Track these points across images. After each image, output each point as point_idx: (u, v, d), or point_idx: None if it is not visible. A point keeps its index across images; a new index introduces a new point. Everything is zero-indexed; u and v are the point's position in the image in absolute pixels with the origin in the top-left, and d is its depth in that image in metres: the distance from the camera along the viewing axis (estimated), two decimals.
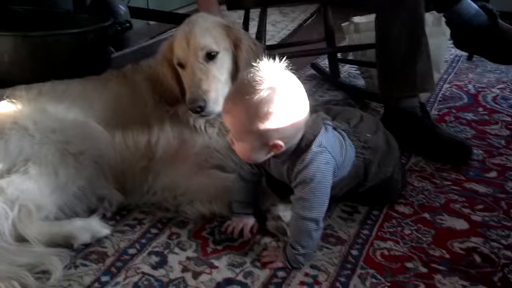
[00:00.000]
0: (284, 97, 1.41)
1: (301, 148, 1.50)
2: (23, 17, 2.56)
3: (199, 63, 1.76)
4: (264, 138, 1.44)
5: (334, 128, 1.62)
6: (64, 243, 1.61)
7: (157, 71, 1.90)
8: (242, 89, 1.43)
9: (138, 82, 1.96)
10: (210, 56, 1.78)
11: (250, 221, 1.69)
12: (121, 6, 3.35)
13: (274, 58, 1.47)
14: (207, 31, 1.80)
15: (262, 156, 1.50)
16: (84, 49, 2.22)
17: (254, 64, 1.46)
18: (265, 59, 1.46)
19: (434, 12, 2.62)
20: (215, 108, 1.74)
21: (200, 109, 1.71)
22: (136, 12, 3.52)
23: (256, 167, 1.64)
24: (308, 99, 1.49)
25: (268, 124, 1.41)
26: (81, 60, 2.21)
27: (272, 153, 1.49)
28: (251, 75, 1.42)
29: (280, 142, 1.45)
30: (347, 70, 3.32)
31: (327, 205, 1.50)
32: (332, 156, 1.51)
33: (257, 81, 1.40)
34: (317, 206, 1.48)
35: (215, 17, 1.92)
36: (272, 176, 1.66)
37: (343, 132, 1.64)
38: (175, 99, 1.88)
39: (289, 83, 1.44)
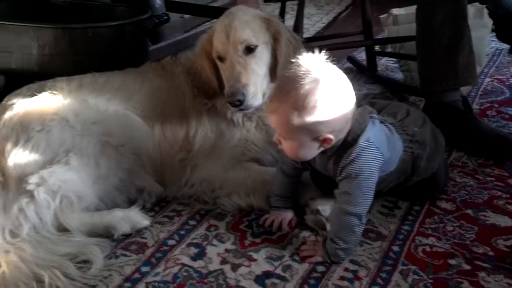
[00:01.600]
0: (330, 88, 1.40)
1: (347, 142, 1.48)
2: (62, 9, 2.60)
3: (238, 57, 1.75)
4: (313, 133, 1.42)
5: (381, 122, 1.59)
6: (105, 233, 1.63)
7: (196, 64, 1.90)
8: (286, 85, 1.41)
9: (176, 75, 1.97)
10: (250, 50, 1.76)
11: (289, 214, 1.68)
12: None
13: (313, 51, 1.45)
14: (246, 24, 1.78)
15: (312, 152, 1.49)
16: (123, 41, 2.24)
17: (293, 57, 1.45)
18: (304, 53, 1.44)
19: (476, 4, 2.56)
20: (254, 102, 1.73)
21: (239, 103, 1.70)
22: (171, 5, 3.52)
23: (301, 162, 1.62)
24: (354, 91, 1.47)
25: (317, 117, 1.39)
26: (120, 52, 2.24)
27: (322, 149, 1.47)
28: (293, 70, 1.41)
29: (330, 136, 1.43)
30: (384, 63, 3.26)
31: (371, 201, 1.48)
32: (380, 152, 1.49)
33: (300, 75, 1.38)
34: (361, 201, 1.46)
35: (254, 10, 1.90)
36: (317, 170, 1.64)
37: (390, 126, 1.61)
38: (213, 92, 1.88)
39: (333, 74, 1.43)
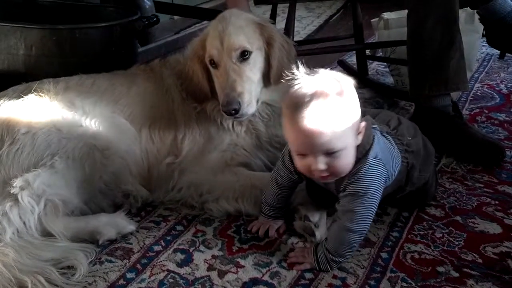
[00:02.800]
0: (343, 77, 1.41)
1: (356, 157, 1.43)
2: (49, 10, 2.57)
3: (232, 64, 1.73)
4: (356, 124, 1.38)
5: (381, 133, 1.55)
6: (90, 239, 1.61)
7: (187, 68, 1.88)
8: (303, 99, 1.34)
9: (165, 78, 1.95)
10: (244, 56, 1.74)
11: (278, 222, 1.67)
12: (146, 1, 3.33)
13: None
14: (241, 29, 1.76)
15: (354, 154, 1.41)
16: (111, 43, 2.21)
17: (286, 62, 1.43)
18: (295, 57, 1.42)
19: (467, 9, 2.56)
20: (249, 110, 1.72)
21: (234, 112, 1.69)
22: (161, 7, 3.50)
23: (297, 174, 1.55)
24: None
25: (352, 99, 1.38)
26: (108, 54, 2.21)
27: (357, 144, 1.42)
28: (303, 91, 1.35)
29: (363, 123, 1.41)
30: (375, 68, 3.26)
31: (372, 218, 1.47)
32: (386, 169, 1.47)
33: (306, 82, 1.37)
34: (365, 219, 1.44)
35: (247, 14, 1.88)
36: (314, 183, 1.61)
37: (389, 137, 1.57)
38: (204, 97, 1.86)
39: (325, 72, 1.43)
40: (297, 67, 1.41)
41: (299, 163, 1.43)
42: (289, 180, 1.59)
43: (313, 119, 1.32)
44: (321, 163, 1.37)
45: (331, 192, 1.54)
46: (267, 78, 1.80)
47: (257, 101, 1.78)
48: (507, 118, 2.49)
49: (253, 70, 1.76)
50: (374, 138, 1.46)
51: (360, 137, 1.41)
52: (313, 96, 1.33)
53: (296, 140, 1.39)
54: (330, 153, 1.35)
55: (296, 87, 1.37)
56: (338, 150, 1.35)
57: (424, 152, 1.66)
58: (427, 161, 1.68)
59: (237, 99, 1.68)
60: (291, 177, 1.58)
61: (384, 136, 1.56)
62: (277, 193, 1.63)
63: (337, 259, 1.46)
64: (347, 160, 1.39)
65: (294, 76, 1.39)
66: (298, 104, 1.34)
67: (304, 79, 1.38)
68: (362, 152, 1.43)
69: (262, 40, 1.79)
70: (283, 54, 1.78)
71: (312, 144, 1.34)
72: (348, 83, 1.40)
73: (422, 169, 1.65)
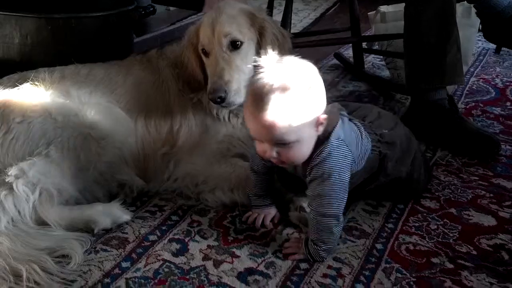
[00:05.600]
0: (309, 68, 1.41)
1: (318, 140, 1.44)
2: None
3: (223, 52, 1.73)
4: (315, 118, 1.39)
5: (350, 120, 1.56)
6: (85, 228, 1.60)
7: (182, 56, 1.87)
8: (263, 91, 1.34)
9: (162, 68, 1.94)
10: (235, 46, 1.74)
11: (272, 211, 1.67)
12: None
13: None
14: (233, 18, 1.76)
15: (313, 143, 1.43)
16: (107, 32, 2.19)
17: (279, 54, 1.43)
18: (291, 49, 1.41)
19: (464, 3, 2.55)
20: (236, 99, 1.71)
21: (220, 100, 1.68)
22: None
23: (269, 161, 1.53)
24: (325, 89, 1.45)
25: (314, 94, 1.38)
26: (104, 44, 2.19)
27: (317, 135, 1.43)
28: (258, 77, 1.36)
29: (323, 115, 1.40)
30: (371, 61, 3.26)
31: (345, 200, 1.46)
32: (350, 150, 1.47)
33: (268, 75, 1.36)
34: (336, 202, 1.44)
35: (242, 4, 1.87)
36: (283, 169, 1.62)
37: (358, 124, 1.58)
38: (197, 86, 1.85)
39: (291, 61, 1.42)
40: (266, 54, 1.41)
41: (257, 147, 1.46)
42: (263, 167, 1.61)
43: (267, 112, 1.33)
44: (273, 152, 1.40)
45: (299, 177, 1.55)
46: None
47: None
48: (502, 112, 2.50)
49: (244, 60, 1.74)
50: (337, 122, 1.47)
51: (321, 128, 1.42)
52: (272, 88, 1.33)
53: (252, 127, 1.42)
54: (282, 144, 1.38)
55: (258, 76, 1.37)
56: (290, 142, 1.37)
57: (405, 145, 1.66)
58: (407, 155, 1.67)
59: (224, 87, 1.68)
60: (264, 163, 1.60)
61: (354, 123, 1.57)
62: (257, 180, 1.64)
63: (322, 247, 1.46)
64: (300, 151, 1.42)
65: (260, 64, 1.39)
66: (256, 94, 1.36)
67: (268, 69, 1.37)
68: (324, 134, 1.44)
69: (253, 31, 1.78)
70: (275, 45, 1.77)
71: (265, 134, 1.38)
72: (313, 75, 1.40)
73: (399, 162, 1.64)
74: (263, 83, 1.35)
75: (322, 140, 1.44)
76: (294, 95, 1.34)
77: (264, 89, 1.34)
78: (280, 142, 1.38)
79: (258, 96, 1.35)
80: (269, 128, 1.35)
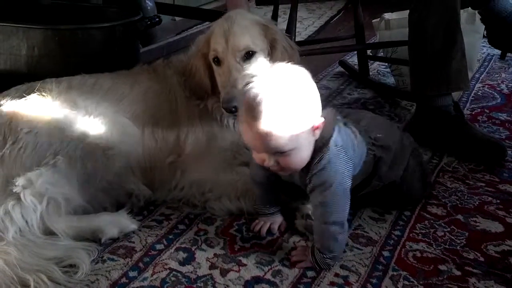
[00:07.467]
0: (301, 75, 1.40)
1: (317, 147, 1.43)
2: (52, 10, 2.58)
3: (236, 63, 1.74)
4: (310, 122, 1.38)
5: (345, 124, 1.56)
6: (92, 237, 1.61)
7: (190, 64, 1.89)
8: (257, 101, 1.33)
9: (168, 77, 1.95)
10: (248, 56, 1.75)
11: (278, 219, 1.67)
12: (148, 1, 3.35)
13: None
14: (246, 29, 1.77)
15: (311, 150, 1.42)
16: (114, 43, 2.21)
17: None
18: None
19: (468, 9, 2.56)
20: None
21: (234, 109, 1.69)
22: (163, 8, 3.51)
23: (268, 170, 1.51)
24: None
25: (307, 100, 1.37)
26: (110, 54, 2.21)
27: (314, 139, 1.42)
28: (255, 92, 1.35)
29: (320, 120, 1.40)
30: (376, 68, 3.26)
31: (349, 206, 1.46)
32: (349, 156, 1.47)
33: (262, 85, 1.36)
34: (339, 209, 1.43)
35: (252, 15, 1.89)
36: (281, 179, 1.62)
37: (353, 128, 1.57)
38: (205, 93, 1.87)
39: (285, 70, 1.42)
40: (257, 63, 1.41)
41: (254, 156, 1.45)
42: (264, 177, 1.60)
43: (261, 122, 1.32)
44: (271, 161, 1.40)
45: (296, 184, 1.55)
46: None
47: None
48: (508, 118, 2.49)
49: (256, 70, 1.76)
50: (334, 128, 1.46)
51: (318, 132, 1.41)
52: (264, 98, 1.32)
53: (248, 139, 1.41)
54: (279, 152, 1.37)
55: (251, 85, 1.37)
56: (287, 151, 1.36)
57: (399, 149, 1.66)
58: (401, 159, 1.66)
59: (238, 97, 1.69)
60: (264, 173, 1.59)
61: (349, 127, 1.56)
62: (260, 191, 1.65)
63: (328, 255, 1.45)
64: (298, 157, 1.40)
65: (253, 74, 1.39)
66: (249, 105, 1.34)
67: (260, 78, 1.37)
68: (322, 141, 1.43)
69: (266, 42, 1.80)
70: (285, 57, 1.78)
71: (261, 145, 1.37)
72: (305, 81, 1.39)
73: (392, 166, 1.63)
74: (255, 93, 1.34)
75: (320, 147, 1.43)
76: (288, 103, 1.33)
77: (256, 99, 1.33)
78: (277, 151, 1.37)
79: (251, 107, 1.33)
80: (265, 139, 1.34)
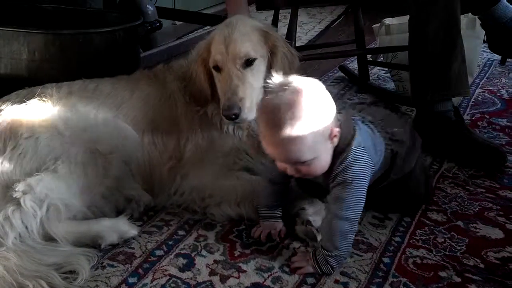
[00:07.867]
0: (312, 85, 1.43)
1: (339, 148, 1.47)
2: (53, 15, 2.58)
3: (236, 70, 1.74)
4: (326, 131, 1.42)
5: (362, 122, 1.59)
6: (92, 243, 1.61)
7: (191, 70, 1.89)
8: (276, 112, 1.37)
9: (169, 83, 1.95)
10: (248, 63, 1.75)
11: (278, 225, 1.67)
12: (149, 6, 3.36)
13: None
14: (246, 36, 1.77)
15: (329, 156, 1.47)
16: (114, 48, 2.22)
17: (287, 72, 1.44)
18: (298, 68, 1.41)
19: (468, 14, 2.56)
20: (249, 116, 1.72)
21: (235, 117, 1.70)
22: (163, 12, 3.52)
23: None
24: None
25: (322, 111, 1.40)
26: (111, 58, 2.21)
27: (332, 146, 1.46)
28: (269, 98, 1.39)
29: (337, 128, 1.44)
30: (376, 73, 3.26)
31: (362, 206, 1.48)
32: (370, 156, 1.50)
33: (281, 96, 1.38)
34: (354, 206, 1.46)
35: (253, 21, 1.89)
36: (303, 178, 1.63)
37: (370, 125, 1.61)
38: (204, 100, 1.86)
39: (301, 79, 1.44)
40: (276, 72, 1.44)
41: (278, 165, 1.49)
42: (281, 175, 1.61)
43: (281, 136, 1.36)
44: (292, 170, 1.45)
45: (320, 184, 1.58)
46: None
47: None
48: (508, 124, 2.49)
49: (256, 77, 1.76)
50: (355, 128, 1.50)
51: (336, 139, 1.45)
52: (282, 113, 1.36)
53: (269, 150, 1.45)
54: (300, 162, 1.42)
55: (267, 99, 1.41)
56: (307, 160, 1.41)
57: (410, 142, 1.69)
58: (413, 152, 1.70)
59: (238, 104, 1.69)
60: (282, 172, 1.59)
61: (366, 124, 1.59)
62: (272, 191, 1.66)
63: (333, 253, 1.46)
64: (318, 165, 1.45)
65: (269, 86, 1.41)
66: (268, 119, 1.40)
67: (276, 92, 1.39)
68: (345, 143, 1.47)
69: (266, 48, 1.80)
70: (285, 64, 1.79)
71: (282, 156, 1.43)
72: (320, 92, 1.43)
73: (407, 158, 1.67)
74: (273, 106, 1.38)
75: (343, 148, 1.47)
76: (305, 115, 1.36)
77: (275, 113, 1.37)
78: (297, 161, 1.42)
79: (270, 121, 1.39)
80: (285, 151, 1.40)
